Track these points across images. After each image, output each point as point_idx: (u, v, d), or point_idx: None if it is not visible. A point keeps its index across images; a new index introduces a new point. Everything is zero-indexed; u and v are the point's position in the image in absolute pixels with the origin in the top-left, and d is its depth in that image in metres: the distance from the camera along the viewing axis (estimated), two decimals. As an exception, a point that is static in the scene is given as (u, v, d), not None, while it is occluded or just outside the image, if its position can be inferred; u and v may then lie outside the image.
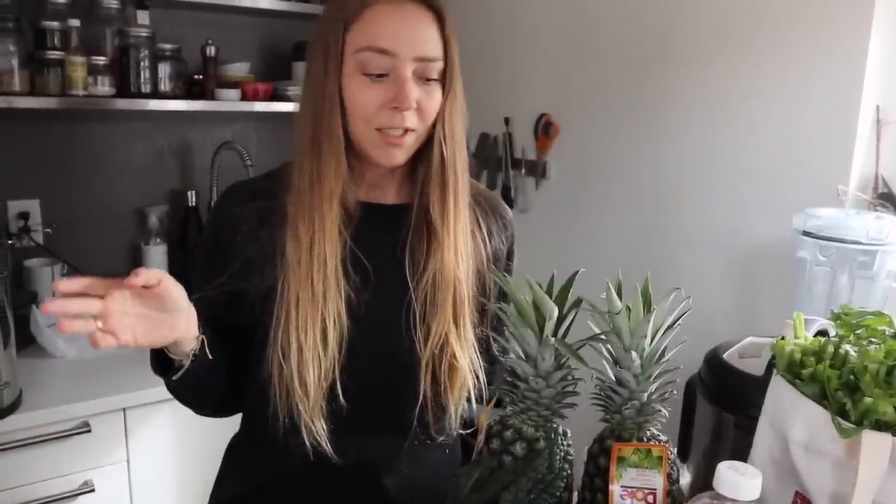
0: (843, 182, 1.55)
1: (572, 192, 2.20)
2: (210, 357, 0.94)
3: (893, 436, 0.76)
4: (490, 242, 1.10)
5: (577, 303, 0.95)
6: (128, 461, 1.73)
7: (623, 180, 2.04)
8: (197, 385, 0.98)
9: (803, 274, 1.48)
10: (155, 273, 0.82)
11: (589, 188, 2.15)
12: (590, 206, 2.15)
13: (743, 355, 1.17)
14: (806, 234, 1.45)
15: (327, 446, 0.99)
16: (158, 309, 0.84)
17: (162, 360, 0.95)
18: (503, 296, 1.08)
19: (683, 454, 1.18)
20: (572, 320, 0.95)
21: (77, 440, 1.64)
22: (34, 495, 1.62)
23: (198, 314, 0.92)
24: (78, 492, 1.67)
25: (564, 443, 0.85)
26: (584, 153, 2.15)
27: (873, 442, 0.76)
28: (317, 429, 0.98)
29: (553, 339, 0.89)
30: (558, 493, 0.78)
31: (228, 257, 1.02)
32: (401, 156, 0.98)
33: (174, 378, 0.94)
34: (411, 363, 1.02)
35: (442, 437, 1.08)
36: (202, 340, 0.93)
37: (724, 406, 1.06)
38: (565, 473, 0.80)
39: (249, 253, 1.00)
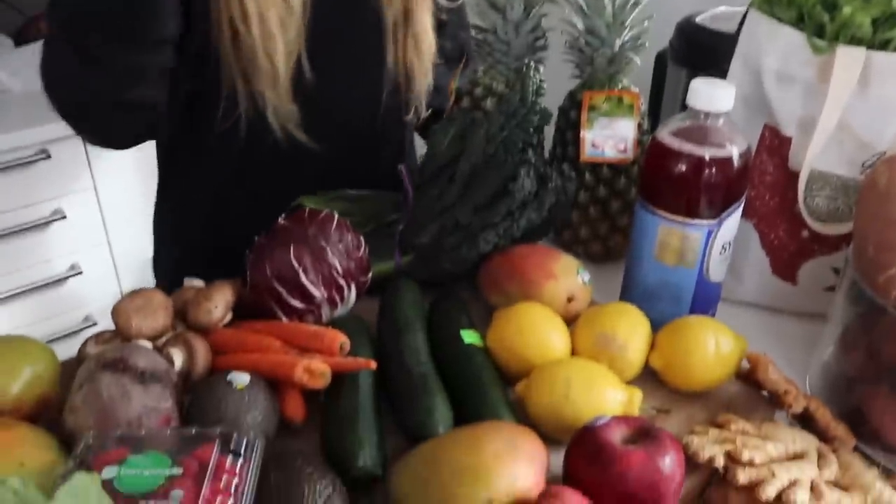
0: None
1: None
2: None
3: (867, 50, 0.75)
4: None
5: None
6: (95, 188, 1.72)
7: None
8: None
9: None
10: None
11: None
12: None
13: (716, 21, 1.14)
14: None
15: (299, 131, 0.91)
16: None
17: None
18: None
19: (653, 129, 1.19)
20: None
21: (38, 168, 1.62)
22: (4, 224, 1.62)
23: None
24: (49, 219, 1.68)
25: (537, 77, 0.83)
26: None
27: (846, 56, 0.75)
28: (286, 111, 0.89)
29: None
30: (531, 129, 0.77)
31: None
32: None
33: None
34: (377, 29, 0.94)
35: (408, 117, 1.01)
36: None
37: (695, 67, 1.04)
38: (538, 108, 0.78)
39: None
